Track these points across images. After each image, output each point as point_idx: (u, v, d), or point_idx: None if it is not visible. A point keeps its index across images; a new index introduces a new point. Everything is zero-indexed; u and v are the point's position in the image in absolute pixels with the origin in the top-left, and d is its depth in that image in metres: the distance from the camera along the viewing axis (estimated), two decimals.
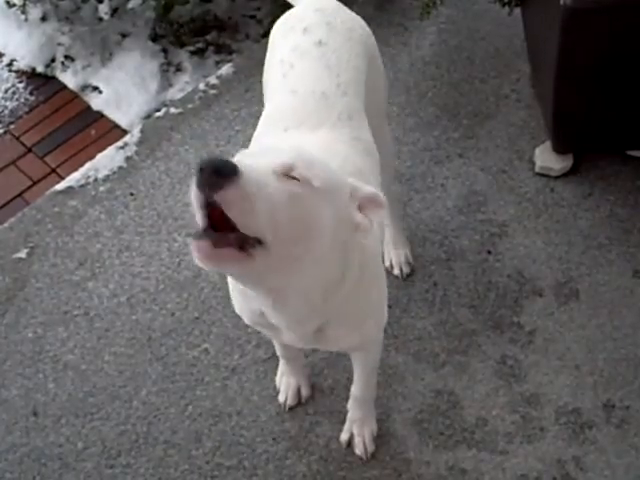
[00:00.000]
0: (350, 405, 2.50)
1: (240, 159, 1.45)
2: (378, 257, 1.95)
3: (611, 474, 2.44)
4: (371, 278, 1.87)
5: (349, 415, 2.52)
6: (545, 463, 2.47)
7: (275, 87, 2.13)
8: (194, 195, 1.38)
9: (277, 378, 2.63)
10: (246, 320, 1.97)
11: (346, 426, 2.53)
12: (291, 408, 2.59)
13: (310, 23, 2.15)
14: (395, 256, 2.83)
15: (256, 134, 2.12)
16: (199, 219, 1.41)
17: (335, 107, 2.02)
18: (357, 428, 2.51)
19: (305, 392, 2.60)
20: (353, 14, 2.27)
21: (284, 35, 2.20)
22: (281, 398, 2.59)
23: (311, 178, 1.49)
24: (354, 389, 2.44)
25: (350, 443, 2.52)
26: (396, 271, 2.82)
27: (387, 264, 2.82)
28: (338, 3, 2.29)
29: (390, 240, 2.82)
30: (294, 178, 1.47)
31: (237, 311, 2.00)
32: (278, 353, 2.52)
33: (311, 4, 2.25)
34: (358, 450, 2.50)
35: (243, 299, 1.90)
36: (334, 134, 1.97)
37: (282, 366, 2.60)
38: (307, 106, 2.01)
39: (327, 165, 1.61)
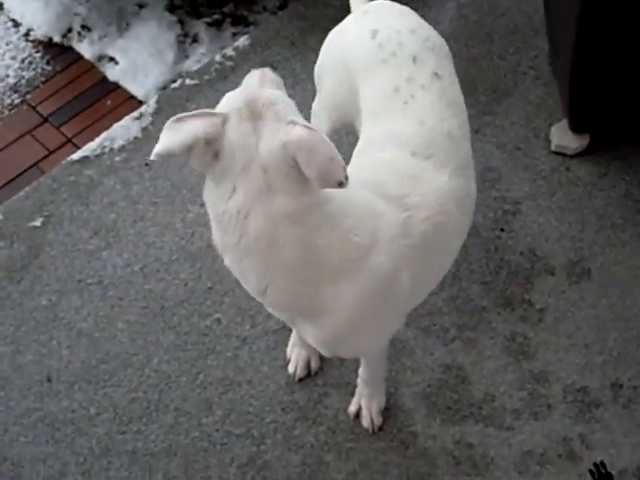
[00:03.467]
0: (359, 382, 2.57)
1: None
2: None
3: (616, 453, 2.49)
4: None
5: (358, 389, 2.58)
6: (551, 440, 2.52)
7: (392, 112, 2.15)
8: None
9: (288, 349, 2.69)
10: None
11: (355, 399, 2.59)
12: (300, 379, 2.65)
13: (415, 51, 2.18)
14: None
15: (364, 147, 2.19)
16: None
17: (460, 152, 2.14)
18: (365, 401, 2.56)
19: (315, 364, 2.66)
20: (430, 27, 2.33)
21: (380, 58, 2.19)
22: (291, 369, 2.66)
23: None
24: (361, 371, 2.52)
25: (358, 415, 2.59)
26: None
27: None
28: (417, 16, 2.34)
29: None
30: None
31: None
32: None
33: (397, 21, 2.27)
34: (365, 423, 2.57)
35: None
36: (454, 183, 2.08)
37: (294, 337, 2.66)
38: (438, 142, 2.09)
39: None
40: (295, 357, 2.66)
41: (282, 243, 1.73)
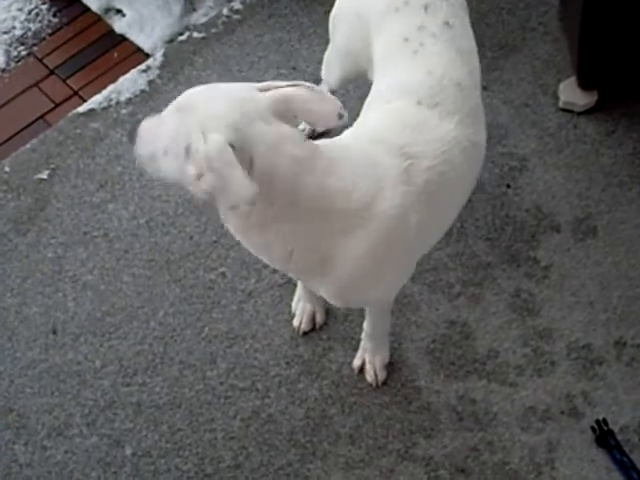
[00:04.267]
0: (363, 336, 2.55)
1: None
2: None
3: (618, 410, 2.48)
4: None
5: (362, 343, 2.57)
6: (554, 397, 2.51)
7: (401, 62, 2.14)
8: None
9: (293, 303, 2.68)
10: None
11: (359, 353, 2.58)
12: (305, 333, 2.64)
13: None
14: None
15: (373, 99, 2.18)
16: None
17: (469, 101, 2.12)
18: (369, 356, 2.55)
19: (320, 318, 2.64)
20: None
21: (393, 7, 2.17)
22: (296, 322, 2.65)
23: None
24: (366, 325, 2.50)
25: (362, 370, 2.58)
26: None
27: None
28: None
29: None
30: None
31: None
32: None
33: None
34: (369, 377, 2.56)
35: None
36: (460, 132, 2.06)
37: (299, 291, 2.64)
38: (445, 91, 2.07)
39: None
40: (300, 311, 2.64)
41: (302, 193, 1.80)
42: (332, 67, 2.58)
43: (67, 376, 2.63)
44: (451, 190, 2.09)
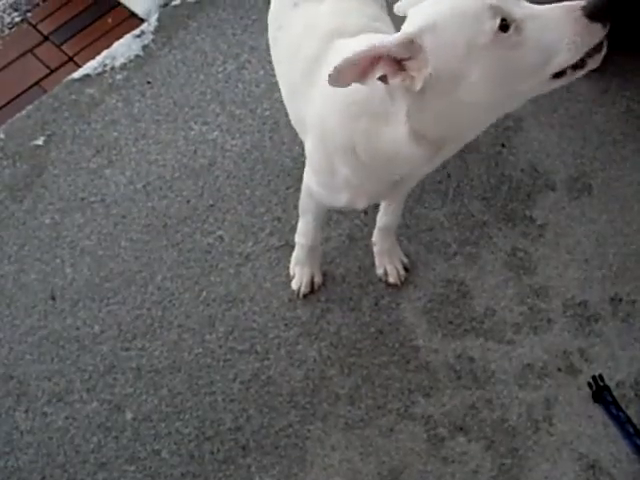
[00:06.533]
0: (377, 238, 2.56)
1: None
2: None
3: (614, 365, 2.44)
4: None
5: (377, 249, 2.59)
6: (551, 354, 2.47)
7: None
8: (600, 31, 1.47)
9: (291, 266, 2.62)
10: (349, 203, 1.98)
11: (377, 262, 2.61)
12: (304, 296, 2.58)
13: None
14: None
15: (269, 18, 2.14)
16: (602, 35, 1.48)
17: None
18: (388, 258, 2.59)
19: (318, 279, 2.59)
20: None
21: None
22: (295, 285, 2.59)
23: None
24: (384, 219, 2.48)
25: (386, 275, 2.60)
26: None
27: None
28: None
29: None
30: None
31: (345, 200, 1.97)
32: (305, 241, 2.48)
33: None
34: (392, 278, 2.58)
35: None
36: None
37: (298, 254, 2.58)
38: None
39: None
40: (299, 274, 2.58)
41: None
42: None
43: (66, 342, 2.57)
44: None
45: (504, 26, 1.42)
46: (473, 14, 1.43)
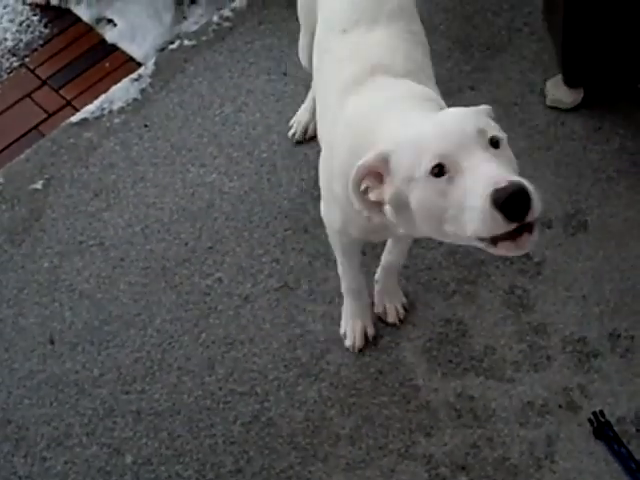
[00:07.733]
0: (379, 276, 2.56)
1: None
2: None
3: (614, 401, 2.42)
4: None
5: (378, 288, 2.58)
6: (551, 391, 2.45)
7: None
8: (502, 225, 1.38)
9: (342, 323, 2.57)
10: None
11: (376, 300, 2.59)
12: (360, 350, 2.55)
13: None
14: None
15: (316, 40, 2.17)
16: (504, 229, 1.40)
17: (386, 2, 2.03)
18: (387, 297, 2.58)
19: (370, 331, 2.56)
20: None
21: None
22: (349, 343, 2.55)
23: None
24: (388, 257, 2.48)
25: (384, 314, 2.59)
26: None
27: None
28: None
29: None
30: None
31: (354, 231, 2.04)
32: (346, 284, 2.46)
33: None
34: (391, 318, 2.58)
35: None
36: (390, 30, 1.99)
37: (346, 304, 2.55)
38: (359, 5, 2.02)
39: None
40: (350, 330, 2.55)
41: None
42: (303, 50, 2.58)
43: (65, 386, 2.55)
44: None
45: (439, 172, 1.45)
46: (420, 148, 1.49)
